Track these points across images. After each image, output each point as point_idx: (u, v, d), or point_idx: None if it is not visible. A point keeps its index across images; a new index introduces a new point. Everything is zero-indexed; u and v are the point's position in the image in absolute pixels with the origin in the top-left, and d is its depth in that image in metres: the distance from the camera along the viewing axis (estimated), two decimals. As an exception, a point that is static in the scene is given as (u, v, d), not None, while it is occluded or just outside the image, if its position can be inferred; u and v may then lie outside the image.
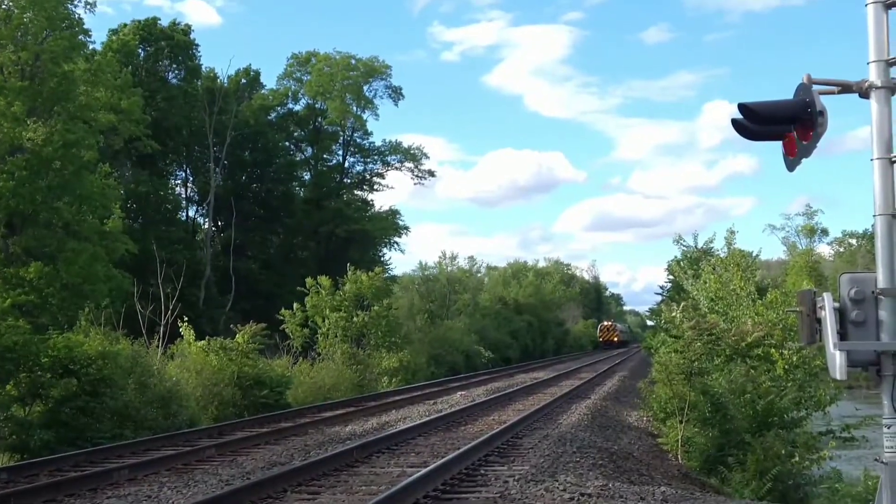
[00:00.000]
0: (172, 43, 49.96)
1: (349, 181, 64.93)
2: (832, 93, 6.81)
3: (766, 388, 17.57)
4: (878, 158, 6.47)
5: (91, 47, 38.22)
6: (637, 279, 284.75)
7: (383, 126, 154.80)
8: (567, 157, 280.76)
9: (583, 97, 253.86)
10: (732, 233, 32.21)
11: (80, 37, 33.15)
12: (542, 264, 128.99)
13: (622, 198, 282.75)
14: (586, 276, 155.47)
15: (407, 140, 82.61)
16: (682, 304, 22.50)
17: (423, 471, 11.29)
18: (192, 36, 51.72)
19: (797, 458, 16.08)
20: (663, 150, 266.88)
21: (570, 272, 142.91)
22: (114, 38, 47.04)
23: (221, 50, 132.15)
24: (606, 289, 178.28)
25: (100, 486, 11.31)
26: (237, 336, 23.89)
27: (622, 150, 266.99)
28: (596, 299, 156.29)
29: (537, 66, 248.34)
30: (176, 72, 52.05)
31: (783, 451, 15.55)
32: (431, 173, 67.29)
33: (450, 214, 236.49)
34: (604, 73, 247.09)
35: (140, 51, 48.78)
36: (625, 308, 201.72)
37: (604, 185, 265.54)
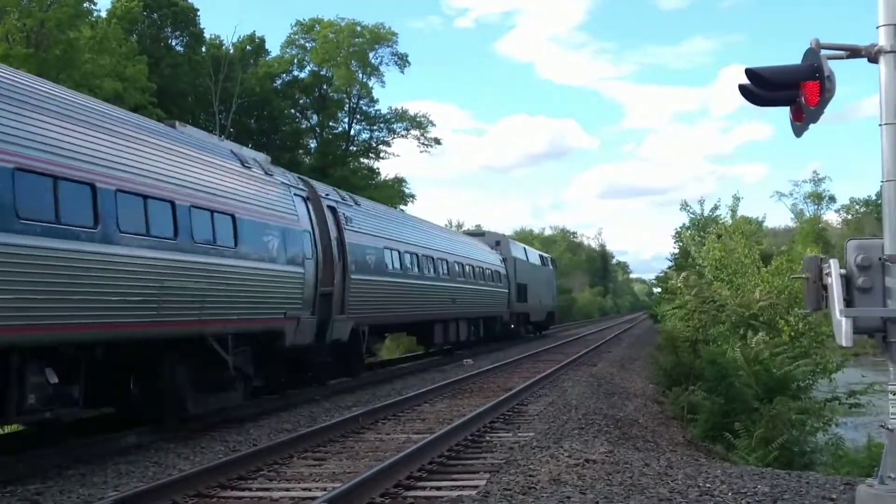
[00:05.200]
0: (176, 10, 49.68)
1: (355, 149, 64.72)
2: (840, 58, 6.75)
3: (781, 359, 17.61)
4: (886, 124, 6.42)
5: (95, 14, 38.08)
6: (646, 247, 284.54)
7: (394, 93, 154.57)
8: (580, 125, 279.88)
9: (597, 64, 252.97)
10: (737, 199, 32.22)
11: (84, 4, 33.00)
12: (548, 232, 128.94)
13: (634, 165, 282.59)
14: (593, 244, 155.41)
15: (418, 107, 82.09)
16: (684, 273, 22.47)
17: (429, 437, 11.33)
18: (192, 2, 51.39)
19: (806, 425, 16.16)
20: (677, 116, 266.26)
21: (576, 240, 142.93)
22: (117, 4, 46.79)
23: (233, 15, 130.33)
24: (613, 256, 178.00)
25: (106, 453, 11.36)
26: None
27: (636, 117, 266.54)
28: (602, 267, 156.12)
29: (552, 32, 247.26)
30: (180, 38, 51.80)
31: (792, 418, 15.61)
32: (437, 141, 66.96)
33: (461, 181, 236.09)
34: (619, 40, 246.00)
35: (144, 17, 48.51)
36: (632, 276, 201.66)
37: (616, 153, 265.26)
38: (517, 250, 43.78)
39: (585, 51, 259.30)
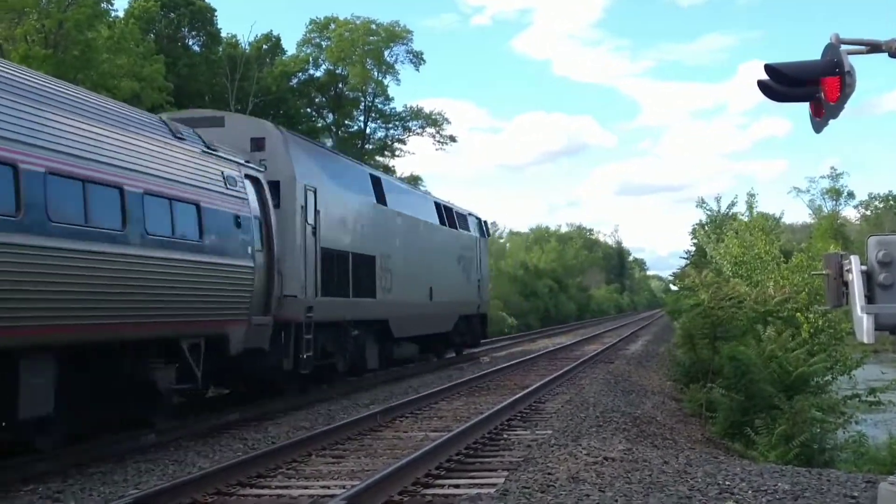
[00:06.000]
0: (193, 9, 49.84)
1: (371, 147, 64.79)
2: (861, 52, 6.70)
3: (796, 356, 17.49)
4: (907, 119, 6.36)
5: (113, 15, 38.28)
6: (663, 244, 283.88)
7: (410, 91, 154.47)
8: (597, 121, 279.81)
9: (614, 61, 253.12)
10: (753, 195, 32.12)
11: (102, 4, 33.18)
12: (564, 229, 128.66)
13: (651, 162, 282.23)
14: (609, 241, 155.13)
15: (434, 105, 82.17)
16: (706, 271, 22.37)
17: (447, 435, 11.33)
18: (208, 1, 51.52)
19: (826, 422, 16.05)
20: (694, 113, 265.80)
21: (592, 237, 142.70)
22: (134, 4, 46.98)
23: (249, 15, 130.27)
24: (630, 253, 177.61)
25: (126, 452, 11.42)
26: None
27: (652, 113, 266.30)
28: (619, 264, 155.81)
29: (568, 29, 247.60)
30: (197, 38, 51.95)
31: (811, 415, 15.51)
32: (453, 138, 66.98)
33: (477, 179, 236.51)
34: (635, 37, 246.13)
35: (161, 17, 48.69)
36: (648, 273, 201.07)
37: (633, 150, 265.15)
38: (324, 169, 17.99)
39: (602, 48, 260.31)
